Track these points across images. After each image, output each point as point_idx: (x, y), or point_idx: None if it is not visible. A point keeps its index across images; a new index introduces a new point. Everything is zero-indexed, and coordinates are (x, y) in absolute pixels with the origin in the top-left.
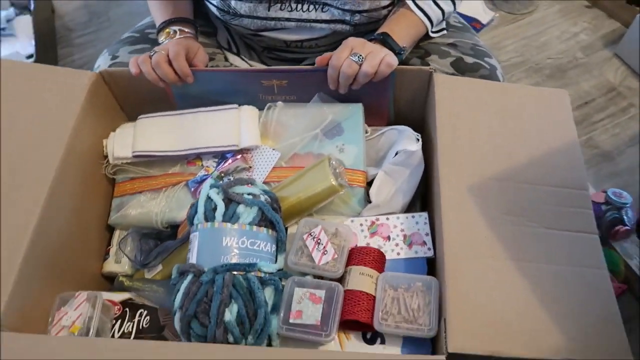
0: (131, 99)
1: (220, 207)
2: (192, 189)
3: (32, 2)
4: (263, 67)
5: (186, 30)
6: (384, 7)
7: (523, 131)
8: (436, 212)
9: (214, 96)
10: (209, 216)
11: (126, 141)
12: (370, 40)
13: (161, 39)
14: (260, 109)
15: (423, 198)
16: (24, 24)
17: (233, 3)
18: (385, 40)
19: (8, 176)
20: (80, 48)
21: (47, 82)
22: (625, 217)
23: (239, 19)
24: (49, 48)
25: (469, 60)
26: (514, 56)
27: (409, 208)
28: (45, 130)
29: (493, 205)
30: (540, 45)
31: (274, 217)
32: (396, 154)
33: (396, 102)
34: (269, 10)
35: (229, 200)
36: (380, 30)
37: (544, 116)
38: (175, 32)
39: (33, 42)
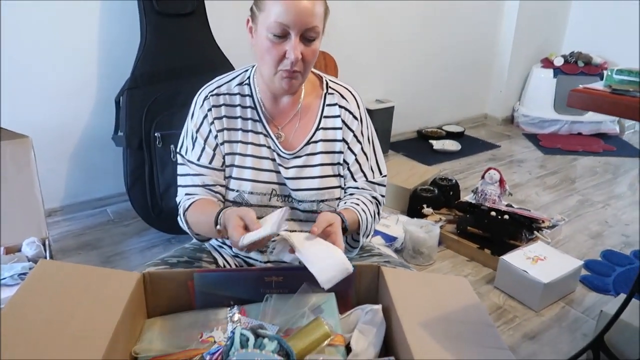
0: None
1: (252, 339)
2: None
3: (47, 255)
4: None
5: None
6: (337, 199)
7: (438, 294)
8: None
9: (227, 292)
10: (244, 345)
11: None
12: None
13: (219, 227)
14: (260, 301)
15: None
16: None
17: (246, 196)
18: (342, 219)
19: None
20: None
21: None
22: None
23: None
24: None
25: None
26: None
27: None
28: (97, 318)
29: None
30: None
31: (288, 348)
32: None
33: (357, 291)
34: (269, 201)
35: (257, 335)
36: (340, 211)
37: (456, 288)
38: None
39: None
